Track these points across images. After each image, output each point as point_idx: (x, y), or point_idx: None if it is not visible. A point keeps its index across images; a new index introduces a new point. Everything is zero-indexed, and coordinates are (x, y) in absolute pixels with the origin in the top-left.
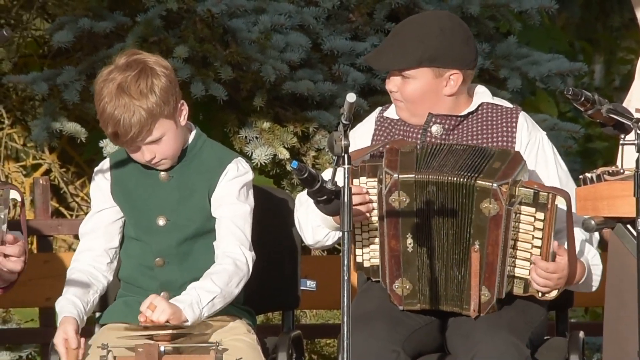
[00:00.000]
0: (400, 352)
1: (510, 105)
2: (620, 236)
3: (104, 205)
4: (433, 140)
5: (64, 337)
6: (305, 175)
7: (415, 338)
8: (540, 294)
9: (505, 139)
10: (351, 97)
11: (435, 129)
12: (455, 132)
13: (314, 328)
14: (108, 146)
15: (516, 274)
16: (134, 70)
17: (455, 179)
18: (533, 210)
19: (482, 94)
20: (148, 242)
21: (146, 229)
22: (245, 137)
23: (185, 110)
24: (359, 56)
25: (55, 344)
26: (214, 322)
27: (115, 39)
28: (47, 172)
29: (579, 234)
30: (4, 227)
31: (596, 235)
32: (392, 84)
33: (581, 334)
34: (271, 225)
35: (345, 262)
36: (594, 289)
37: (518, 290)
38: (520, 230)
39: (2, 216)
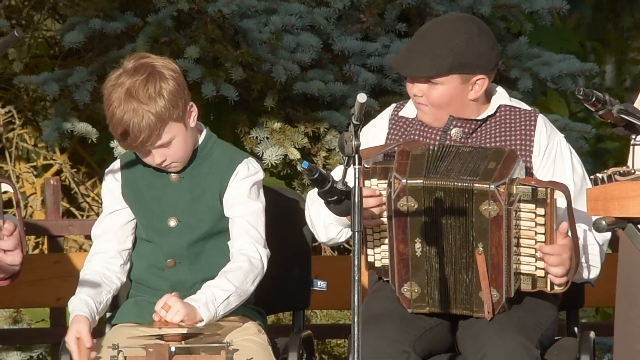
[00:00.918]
0: (411, 353)
1: (529, 108)
2: (631, 237)
3: (116, 207)
4: (452, 143)
5: (77, 335)
6: (316, 175)
7: (426, 338)
8: (549, 287)
9: (523, 142)
10: (362, 98)
11: (455, 132)
12: (474, 135)
13: (324, 328)
14: (119, 147)
15: (522, 271)
16: (142, 74)
17: (459, 184)
18: (533, 206)
19: (500, 95)
20: (159, 243)
21: (157, 230)
22: (256, 137)
23: (194, 111)
24: (369, 56)
25: (66, 342)
26: (224, 322)
27: (126, 40)
28: (58, 172)
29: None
30: None
31: (606, 235)
32: (417, 89)
33: (592, 334)
34: (282, 225)
35: (356, 262)
36: (592, 275)
37: (526, 286)
38: (522, 228)
39: None
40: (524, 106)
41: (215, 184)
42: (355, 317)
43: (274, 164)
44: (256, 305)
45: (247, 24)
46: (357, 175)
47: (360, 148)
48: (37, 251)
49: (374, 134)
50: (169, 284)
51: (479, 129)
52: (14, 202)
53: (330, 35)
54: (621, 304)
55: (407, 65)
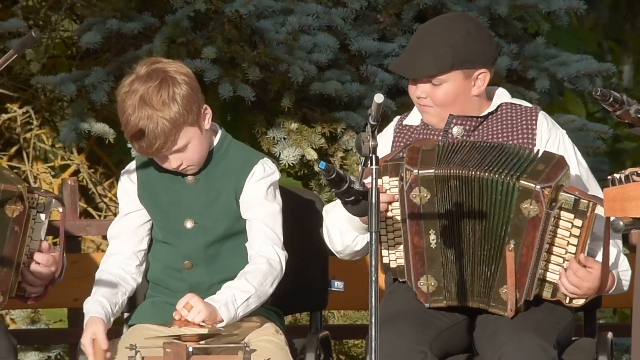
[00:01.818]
0: (428, 353)
1: (530, 105)
2: None
3: (131, 209)
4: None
5: (93, 337)
6: (333, 175)
7: (443, 338)
8: (567, 300)
9: (525, 137)
10: (379, 98)
11: (457, 130)
12: (476, 132)
13: (341, 329)
14: None
15: (547, 278)
16: (155, 80)
17: (486, 174)
18: (572, 216)
19: (501, 95)
20: (176, 245)
21: (174, 232)
22: (273, 137)
23: (209, 114)
24: (386, 57)
25: (82, 344)
26: (242, 322)
27: (143, 40)
28: (76, 172)
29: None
30: (43, 233)
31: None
32: (420, 90)
33: (609, 335)
34: (299, 226)
35: (373, 262)
36: (624, 290)
37: (546, 294)
38: (557, 235)
39: (43, 222)
40: (525, 103)
41: (231, 185)
42: (373, 317)
43: (291, 165)
44: (273, 306)
45: (264, 25)
46: (374, 176)
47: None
48: None
49: (381, 145)
50: (186, 285)
51: (480, 126)
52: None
53: (347, 35)
54: (639, 305)
55: (408, 66)
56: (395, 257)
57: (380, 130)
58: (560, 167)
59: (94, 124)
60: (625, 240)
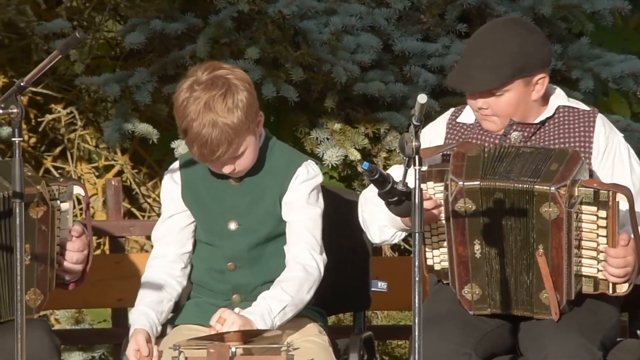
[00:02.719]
0: (472, 355)
1: (587, 108)
2: None
3: (175, 211)
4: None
5: (136, 347)
6: (377, 176)
7: (487, 340)
8: (611, 290)
9: (582, 144)
10: (422, 98)
11: (515, 135)
12: (534, 138)
13: (385, 329)
14: (180, 147)
15: (584, 273)
16: (220, 89)
17: (519, 185)
18: (595, 209)
19: (558, 96)
20: (220, 246)
21: (217, 234)
22: (316, 138)
23: (262, 119)
24: (430, 57)
25: (127, 355)
26: (285, 322)
27: (187, 41)
28: (119, 173)
29: None
30: (70, 220)
31: None
32: (482, 102)
33: None
34: (342, 226)
35: (416, 263)
36: None
37: (588, 288)
38: (584, 230)
39: (68, 210)
40: (583, 106)
41: (274, 187)
42: (416, 318)
43: (335, 165)
44: (317, 306)
45: (307, 25)
46: (417, 176)
47: None
48: (98, 252)
49: (431, 137)
50: (230, 286)
51: (537, 132)
52: (84, 205)
53: (390, 35)
54: None
55: (468, 82)
56: (439, 259)
57: (434, 118)
58: (575, 162)
59: (138, 125)
60: None
